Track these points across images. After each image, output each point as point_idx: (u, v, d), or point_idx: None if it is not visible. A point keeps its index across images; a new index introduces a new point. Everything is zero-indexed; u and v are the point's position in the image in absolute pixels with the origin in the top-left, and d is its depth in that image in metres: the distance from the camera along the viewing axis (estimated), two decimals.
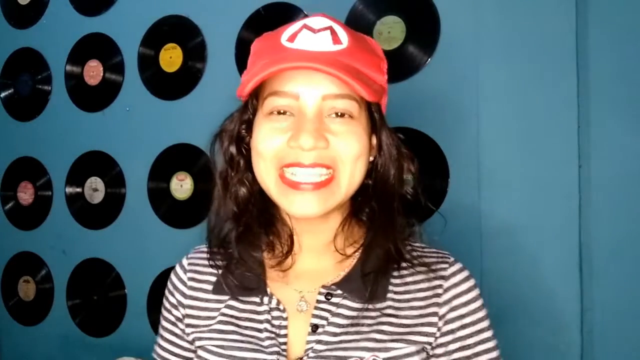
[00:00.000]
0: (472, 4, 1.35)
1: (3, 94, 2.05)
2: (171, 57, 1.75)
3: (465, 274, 0.80)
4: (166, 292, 0.87)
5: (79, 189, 1.89)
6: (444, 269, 0.79)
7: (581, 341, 1.25)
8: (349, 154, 0.73)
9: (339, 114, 0.73)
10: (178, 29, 1.73)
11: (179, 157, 1.72)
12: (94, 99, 1.86)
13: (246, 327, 0.78)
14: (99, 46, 1.85)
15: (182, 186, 1.72)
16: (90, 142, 1.85)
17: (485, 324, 0.79)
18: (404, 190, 0.80)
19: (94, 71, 1.87)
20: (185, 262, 0.87)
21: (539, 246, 1.29)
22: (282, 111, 0.74)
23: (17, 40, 2.00)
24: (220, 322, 0.79)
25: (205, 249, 0.85)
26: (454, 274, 0.79)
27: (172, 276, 0.87)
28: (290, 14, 1.56)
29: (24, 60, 2.00)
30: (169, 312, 0.86)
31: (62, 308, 1.89)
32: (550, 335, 1.27)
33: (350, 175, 0.74)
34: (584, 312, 1.25)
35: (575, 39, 1.26)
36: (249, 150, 0.80)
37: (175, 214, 1.73)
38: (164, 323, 0.87)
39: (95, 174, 1.86)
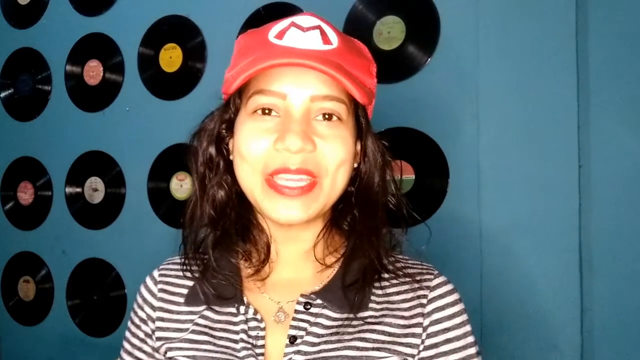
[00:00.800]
0: (472, 4, 1.35)
1: (3, 94, 2.05)
2: (171, 57, 1.74)
3: (450, 286, 0.76)
4: (135, 306, 0.83)
5: (79, 189, 1.89)
6: (429, 279, 0.76)
7: (581, 341, 1.25)
8: (335, 160, 0.70)
9: (327, 116, 0.70)
10: (178, 29, 1.73)
11: (179, 157, 1.72)
12: (94, 99, 1.86)
13: (221, 338, 0.74)
14: (99, 46, 1.85)
15: (182, 186, 1.72)
16: (90, 142, 1.85)
17: (470, 339, 0.74)
18: (386, 199, 0.77)
19: (94, 71, 1.87)
20: (156, 273, 0.83)
21: (539, 246, 1.28)
22: (267, 110, 0.70)
23: (17, 40, 2.00)
24: (193, 332, 0.75)
25: (179, 259, 0.81)
26: (439, 285, 0.75)
27: (142, 289, 0.83)
28: (290, 14, 1.55)
29: (24, 60, 2.00)
30: (138, 327, 0.81)
31: (62, 308, 1.89)
32: (550, 335, 1.27)
33: (333, 181, 0.71)
34: (584, 312, 1.25)
35: (575, 39, 1.26)
36: (228, 151, 0.76)
37: (175, 214, 1.73)
38: (132, 340, 0.82)
39: (95, 174, 1.86)
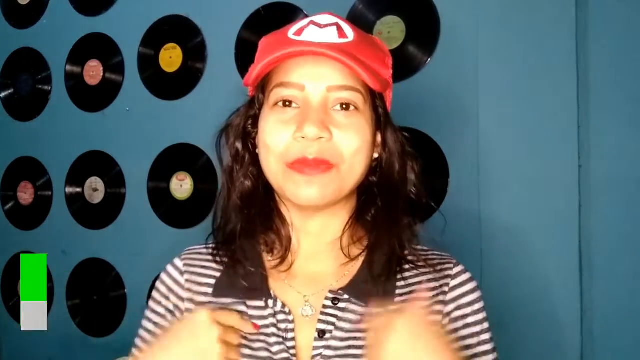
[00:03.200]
0: (472, 4, 1.35)
1: (3, 94, 2.05)
2: (171, 57, 1.74)
3: (469, 274, 0.80)
4: (156, 295, 0.83)
5: (79, 189, 1.89)
6: (450, 268, 0.79)
7: (581, 341, 1.25)
8: (350, 147, 0.73)
9: (344, 105, 0.74)
10: (178, 29, 1.73)
11: (179, 157, 1.72)
12: (94, 99, 1.86)
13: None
14: (99, 46, 1.85)
15: (182, 186, 1.72)
16: (90, 142, 1.85)
17: (485, 325, 0.79)
18: (408, 189, 0.80)
19: (94, 71, 1.87)
20: (179, 263, 0.84)
21: (539, 246, 1.28)
22: (287, 102, 0.74)
23: (17, 40, 2.00)
24: None
25: (201, 249, 0.84)
26: (459, 274, 0.79)
27: (166, 278, 0.83)
28: (290, 14, 1.56)
29: (24, 60, 1.99)
30: (163, 317, 0.82)
31: (62, 308, 1.89)
32: (550, 335, 1.27)
33: (350, 167, 0.74)
34: (584, 312, 1.25)
35: (575, 39, 1.26)
36: (254, 145, 0.80)
37: (175, 214, 1.73)
38: (155, 330, 0.82)
39: (95, 174, 1.86)
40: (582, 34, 1.26)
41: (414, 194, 0.81)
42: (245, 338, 0.76)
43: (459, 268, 0.80)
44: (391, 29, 1.44)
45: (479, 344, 0.77)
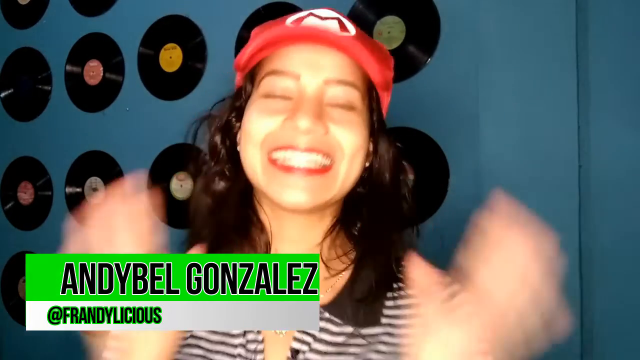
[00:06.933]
0: (472, 4, 1.35)
1: (3, 94, 2.05)
2: (171, 57, 1.74)
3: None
4: None
5: (79, 189, 1.89)
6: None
7: (581, 341, 1.25)
8: (350, 144, 0.65)
9: (341, 104, 0.67)
10: (178, 29, 1.73)
11: (179, 157, 1.72)
12: (94, 99, 1.86)
13: (217, 352, 0.68)
14: (99, 46, 1.85)
15: (182, 186, 1.72)
16: (90, 142, 1.85)
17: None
18: (398, 204, 0.72)
19: (94, 71, 1.87)
20: None
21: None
22: (279, 95, 0.66)
23: (17, 40, 2.00)
24: (188, 345, 0.69)
25: None
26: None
27: None
28: (290, 14, 1.56)
29: (24, 60, 2.00)
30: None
31: None
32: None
33: (349, 168, 0.66)
34: (584, 312, 1.25)
35: (575, 39, 1.26)
36: (233, 143, 0.72)
37: (175, 214, 1.72)
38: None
39: (95, 174, 1.86)
40: (582, 34, 1.26)
41: (405, 210, 0.72)
42: (205, 358, 0.68)
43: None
44: (391, 29, 1.44)
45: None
